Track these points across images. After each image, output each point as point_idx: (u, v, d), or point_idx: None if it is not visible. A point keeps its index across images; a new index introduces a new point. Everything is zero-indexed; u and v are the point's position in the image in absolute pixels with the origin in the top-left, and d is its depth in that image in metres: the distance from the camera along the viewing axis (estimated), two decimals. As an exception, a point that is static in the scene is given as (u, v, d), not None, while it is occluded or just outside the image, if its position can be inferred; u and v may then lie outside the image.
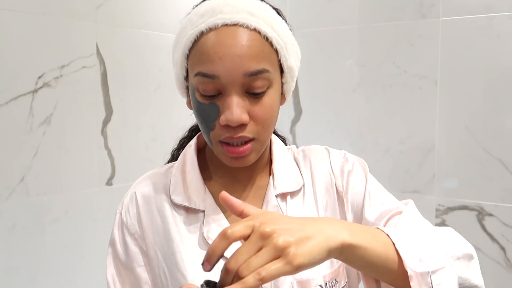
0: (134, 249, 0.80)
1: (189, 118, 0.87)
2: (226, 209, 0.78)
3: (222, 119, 0.72)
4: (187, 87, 0.80)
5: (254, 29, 0.72)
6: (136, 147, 1.63)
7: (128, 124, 1.60)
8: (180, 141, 0.95)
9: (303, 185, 0.83)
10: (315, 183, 0.84)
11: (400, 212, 0.77)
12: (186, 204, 0.79)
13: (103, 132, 1.52)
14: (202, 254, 0.71)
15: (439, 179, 1.72)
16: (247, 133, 0.73)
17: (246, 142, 0.74)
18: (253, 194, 0.83)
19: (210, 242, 0.74)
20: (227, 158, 0.75)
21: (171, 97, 1.69)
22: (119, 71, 1.56)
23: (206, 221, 0.78)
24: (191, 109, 0.80)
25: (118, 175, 1.56)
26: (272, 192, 0.81)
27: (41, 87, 1.35)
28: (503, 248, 1.62)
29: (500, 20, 1.60)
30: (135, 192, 0.83)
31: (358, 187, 0.82)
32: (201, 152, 0.88)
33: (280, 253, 0.52)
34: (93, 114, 1.49)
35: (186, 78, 0.78)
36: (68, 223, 1.43)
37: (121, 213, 0.83)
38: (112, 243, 0.82)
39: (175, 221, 0.80)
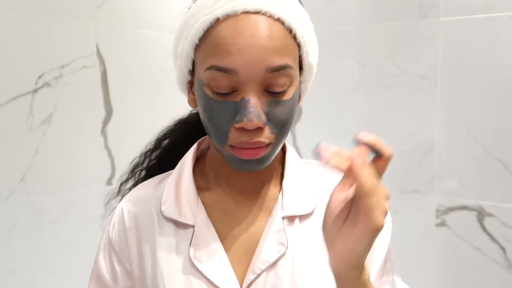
0: (118, 269, 0.75)
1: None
2: (219, 225, 0.72)
3: (238, 121, 0.63)
4: (190, 83, 0.72)
5: (278, 19, 0.63)
6: (136, 147, 1.62)
7: (128, 124, 1.60)
8: (165, 131, 0.89)
9: (315, 207, 0.73)
10: None
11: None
12: (175, 217, 0.72)
13: (103, 132, 1.52)
14: (185, 281, 0.69)
15: (439, 179, 1.72)
16: (263, 138, 0.65)
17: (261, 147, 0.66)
18: (257, 210, 0.74)
19: (197, 264, 0.68)
20: (237, 160, 0.66)
21: (171, 97, 1.69)
22: (119, 71, 1.56)
23: (195, 239, 0.70)
24: (194, 107, 0.73)
25: (118, 175, 1.56)
26: (279, 213, 0.72)
27: (41, 87, 1.35)
28: (503, 248, 1.62)
29: (500, 20, 1.60)
30: (122, 207, 0.78)
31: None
32: (201, 159, 0.80)
33: None
34: (93, 114, 1.49)
35: (191, 72, 0.70)
36: (68, 223, 1.43)
37: (110, 225, 0.78)
38: (96, 262, 0.78)
39: (163, 236, 0.72)
